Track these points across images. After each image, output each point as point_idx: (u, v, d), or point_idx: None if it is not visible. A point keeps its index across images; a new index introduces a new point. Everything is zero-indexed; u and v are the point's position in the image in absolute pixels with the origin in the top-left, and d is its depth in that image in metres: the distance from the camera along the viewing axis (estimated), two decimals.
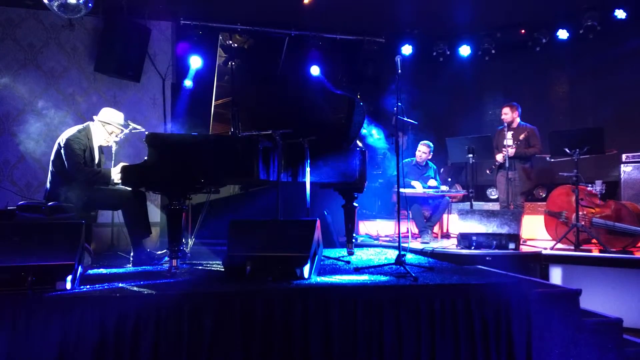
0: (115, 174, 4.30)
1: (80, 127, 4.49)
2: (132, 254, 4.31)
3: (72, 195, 4.20)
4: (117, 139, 4.67)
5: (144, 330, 2.87)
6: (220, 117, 4.59)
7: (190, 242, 4.76)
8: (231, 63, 4.35)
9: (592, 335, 3.37)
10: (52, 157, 4.40)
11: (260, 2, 6.81)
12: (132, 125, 4.91)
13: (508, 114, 6.49)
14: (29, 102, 6.72)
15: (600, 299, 4.52)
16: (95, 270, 3.90)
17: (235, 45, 4.53)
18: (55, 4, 5.55)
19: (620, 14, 7.05)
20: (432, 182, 6.63)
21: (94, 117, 4.58)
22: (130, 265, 4.24)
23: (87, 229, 3.60)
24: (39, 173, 6.63)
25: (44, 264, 2.99)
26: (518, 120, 6.56)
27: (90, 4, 5.70)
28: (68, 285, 3.02)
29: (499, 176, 6.59)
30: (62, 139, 4.37)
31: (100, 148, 4.67)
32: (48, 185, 4.40)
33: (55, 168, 4.36)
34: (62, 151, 4.31)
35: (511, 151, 6.28)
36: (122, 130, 4.63)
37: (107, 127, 4.56)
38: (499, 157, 6.38)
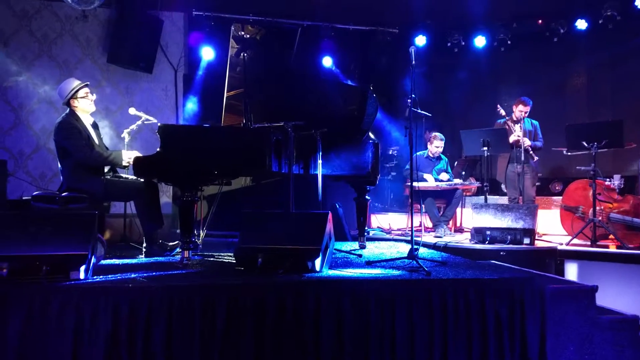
0: (126, 157, 4.29)
1: (62, 115, 4.41)
2: (144, 245, 4.32)
3: (85, 186, 4.22)
4: (94, 97, 4.54)
5: (156, 321, 2.88)
6: (232, 108, 4.58)
7: (202, 234, 4.77)
8: (243, 54, 4.33)
9: (608, 333, 3.32)
10: (57, 153, 4.38)
11: None
12: (145, 116, 4.91)
13: (525, 111, 6.26)
14: (43, 93, 6.76)
15: (616, 295, 4.44)
16: (108, 261, 3.92)
17: (248, 36, 4.50)
18: None
19: None
20: (443, 175, 6.56)
21: (62, 102, 4.44)
22: (143, 256, 4.26)
23: (100, 220, 3.62)
24: (53, 164, 6.68)
25: (58, 254, 3.01)
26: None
27: None
28: (82, 275, 3.04)
29: (508, 171, 6.43)
30: (54, 133, 4.33)
31: (94, 124, 4.56)
32: (61, 177, 4.41)
33: (62, 162, 4.35)
34: (60, 142, 4.28)
35: (527, 142, 6.14)
36: (87, 84, 4.50)
37: (79, 94, 4.40)
38: (512, 138, 6.14)
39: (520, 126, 6.18)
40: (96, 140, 4.45)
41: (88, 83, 4.54)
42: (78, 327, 2.80)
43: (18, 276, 2.94)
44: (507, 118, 6.28)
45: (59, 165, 4.38)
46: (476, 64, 8.35)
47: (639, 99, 7.51)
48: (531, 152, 6.21)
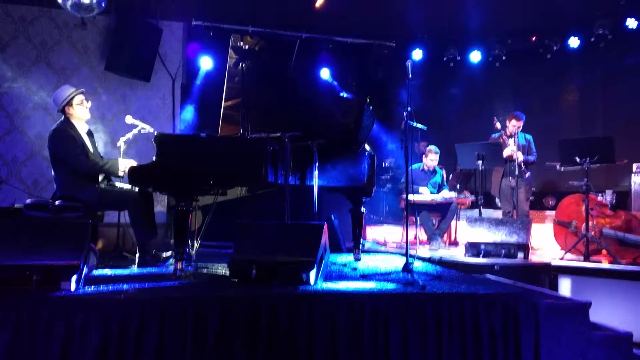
0: (122, 166, 4.27)
1: (57, 123, 4.39)
2: (137, 254, 4.29)
3: (79, 195, 4.19)
4: (89, 104, 4.52)
5: (148, 333, 2.84)
6: (229, 118, 4.58)
7: (196, 244, 4.74)
8: (242, 64, 4.33)
9: (602, 349, 3.32)
10: (50, 161, 4.36)
11: (272, 5, 6.81)
12: (141, 124, 4.89)
13: (518, 126, 6.33)
14: (39, 99, 6.75)
15: (610, 311, 4.45)
16: (101, 271, 3.89)
17: (247, 46, 4.51)
18: (69, 2, 5.57)
19: (631, 23, 7.03)
20: (444, 193, 6.56)
21: (57, 109, 4.42)
22: (136, 267, 4.22)
23: (93, 229, 3.59)
24: (47, 171, 6.63)
25: (50, 264, 2.97)
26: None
27: (103, 3, 5.72)
28: (73, 286, 3.00)
29: (502, 185, 6.46)
30: (49, 141, 4.31)
31: (89, 132, 4.54)
32: (55, 185, 4.38)
33: (55, 170, 4.32)
34: (55, 150, 4.26)
35: (521, 157, 6.18)
36: (82, 92, 4.48)
37: (75, 101, 4.39)
38: (507, 152, 6.18)
39: (514, 140, 6.23)
40: (91, 149, 4.43)
41: (83, 90, 4.53)
42: (67, 338, 2.76)
43: (7, 285, 2.89)
44: (501, 132, 6.32)
45: (53, 173, 4.35)
46: (471, 79, 8.43)
47: (630, 116, 7.59)
48: (523, 167, 6.25)
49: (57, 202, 4.06)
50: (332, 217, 5.85)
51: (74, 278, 3.00)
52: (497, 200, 8.08)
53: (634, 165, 6.51)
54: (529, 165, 6.36)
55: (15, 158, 6.69)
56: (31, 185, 6.70)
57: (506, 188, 6.36)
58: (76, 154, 4.21)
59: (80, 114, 4.43)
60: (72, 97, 4.38)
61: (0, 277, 2.90)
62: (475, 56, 8.13)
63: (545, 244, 6.26)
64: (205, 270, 4.14)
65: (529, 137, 6.47)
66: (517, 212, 6.20)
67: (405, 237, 4.26)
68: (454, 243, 6.80)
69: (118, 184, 4.59)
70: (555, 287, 4.93)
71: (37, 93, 6.74)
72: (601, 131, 7.70)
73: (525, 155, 6.28)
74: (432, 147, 6.75)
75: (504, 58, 8.02)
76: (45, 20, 6.83)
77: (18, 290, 2.88)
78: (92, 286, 3.17)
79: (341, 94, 5.05)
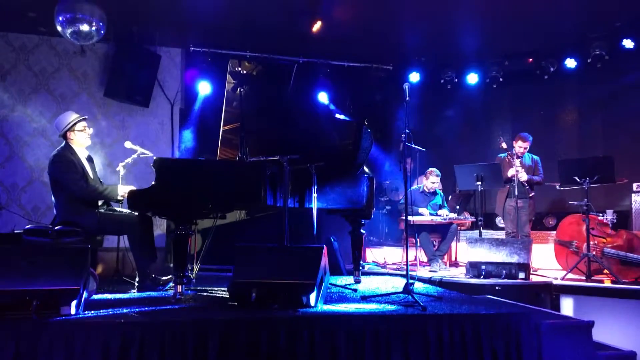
0: (122, 191, 4.28)
1: (58, 148, 4.41)
2: (137, 279, 4.27)
3: (79, 220, 4.19)
4: (91, 131, 4.55)
5: (148, 357, 2.82)
6: (228, 142, 4.61)
7: (196, 268, 4.72)
8: (240, 89, 4.38)
9: None
10: (50, 186, 4.37)
11: (269, 30, 6.90)
12: (140, 150, 4.92)
13: (524, 147, 6.37)
14: (39, 126, 6.80)
15: (612, 331, 4.40)
16: (100, 296, 3.87)
17: (244, 71, 4.59)
18: (69, 31, 5.66)
19: (628, 43, 7.09)
20: (443, 212, 6.56)
21: (59, 134, 4.45)
22: (135, 291, 4.21)
23: (92, 254, 3.58)
24: (46, 197, 6.64)
25: (49, 289, 2.96)
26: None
27: (102, 31, 5.81)
28: (73, 311, 2.99)
29: (506, 205, 6.47)
30: (49, 166, 4.32)
31: (89, 158, 4.56)
32: (55, 210, 4.38)
33: (55, 195, 4.32)
34: (55, 175, 4.27)
35: (524, 176, 6.21)
36: (85, 118, 4.52)
37: (77, 127, 4.42)
38: (512, 172, 6.18)
39: (521, 161, 6.30)
40: (91, 174, 4.44)
41: (86, 117, 4.58)
42: None
43: (7, 311, 2.88)
44: (508, 152, 6.34)
45: (53, 199, 4.36)
46: (469, 100, 8.49)
47: (630, 135, 7.63)
48: (527, 186, 6.28)
49: (56, 228, 4.06)
50: (332, 240, 5.84)
51: (73, 303, 2.99)
52: (497, 220, 8.10)
53: (634, 185, 6.52)
54: (534, 184, 6.39)
55: (15, 184, 6.71)
56: (31, 211, 6.70)
57: (510, 209, 6.36)
58: (76, 179, 4.23)
59: (82, 140, 4.47)
60: (75, 123, 4.42)
61: (0, 302, 2.88)
62: (472, 78, 8.20)
63: (546, 264, 6.23)
64: (205, 294, 4.11)
65: (536, 158, 6.52)
66: (520, 233, 6.20)
67: (405, 258, 4.25)
68: (455, 264, 6.77)
69: (117, 209, 4.60)
70: (557, 307, 4.89)
71: (37, 120, 6.80)
72: (601, 151, 7.73)
73: (530, 175, 6.31)
74: (434, 170, 6.74)
75: (501, 80, 8.08)
76: (45, 49, 6.92)
77: (18, 315, 2.87)
78: (92, 311, 3.15)
79: (339, 117, 5.10)
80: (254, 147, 4.31)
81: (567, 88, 8.29)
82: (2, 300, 2.89)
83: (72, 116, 4.46)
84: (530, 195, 6.39)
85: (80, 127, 4.45)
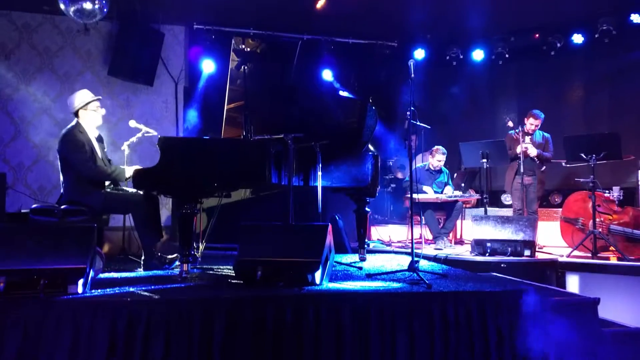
0: (129, 173, 4.28)
1: (69, 125, 4.40)
2: (143, 258, 4.30)
3: (86, 200, 4.20)
4: (103, 111, 4.56)
5: (155, 335, 2.84)
6: (232, 121, 4.58)
7: (201, 247, 4.75)
8: (244, 67, 4.34)
9: (612, 345, 3.29)
10: (59, 164, 4.38)
11: (273, 7, 6.81)
12: (145, 128, 4.91)
13: (536, 124, 6.33)
14: (44, 105, 6.78)
15: (618, 308, 4.41)
16: (107, 274, 3.90)
17: (248, 49, 4.53)
18: (72, 9, 5.60)
19: (636, 18, 6.95)
20: (448, 190, 6.54)
21: (72, 112, 4.44)
22: (142, 270, 4.24)
23: (98, 233, 3.60)
24: (52, 176, 6.67)
25: (56, 268, 2.98)
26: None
27: (105, 9, 5.75)
28: (80, 289, 3.01)
29: (515, 182, 6.45)
30: (59, 144, 4.32)
31: (99, 137, 4.57)
32: (62, 189, 4.39)
33: (64, 173, 4.33)
34: (64, 154, 4.27)
35: (534, 151, 6.18)
36: (99, 99, 4.53)
37: (90, 106, 4.43)
38: (519, 148, 6.11)
39: (531, 138, 6.30)
40: (100, 154, 4.44)
41: (100, 97, 4.58)
42: (75, 341, 2.76)
43: (15, 290, 2.91)
44: (515, 131, 6.28)
45: (61, 177, 4.37)
46: (474, 77, 8.39)
47: (636, 111, 7.54)
48: (537, 161, 6.26)
49: (62, 207, 4.08)
50: (337, 218, 5.85)
51: (80, 281, 3.01)
52: (502, 197, 8.08)
53: None
54: (544, 161, 6.37)
55: (21, 164, 6.72)
56: (37, 191, 6.73)
57: (518, 185, 6.34)
58: (84, 160, 4.22)
59: (94, 119, 4.47)
60: (90, 102, 4.42)
61: (8, 281, 2.91)
62: (478, 55, 8.10)
63: (552, 242, 6.23)
64: (210, 272, 4.14)
65: (547, 135, 6.49)
66: (527, 210, 6.21)
67: (410, 236, 4.25)
68: (460, 242, 6.78)
69: (124, 188, 4.60)
70: (562, 284, 4.90)
71: (42, 99, 6.78)
72: (607, 127, 7.66)
73: (539, 150, 6.29)
74: (440, 148, 6.70)
75: (507, 56, 7.98)
76: (49, 27, 6.87)
77: (26, 294, 2.90)
78: (99, 289, 3.18)
79: (343, 95, 5.05)
80: (258, 125, 4.28)
81: (574, 64, 8.17)
82: (9, 279, 2.91)
83: (88, 95, 4.46)
84: (542, 169, 6.38)
85: (93, 106, 4.45)
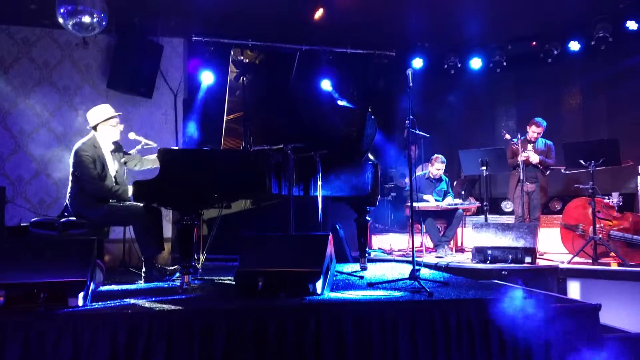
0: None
1: (85, 138, 4.42)
2: (143, 270, 4.29)
3: (88, 213, 4.20)
4: (122, 127, 4.56)
5: (156, 348, 2.84)
6: (231, 131, 4.60)
7: (202, 258, 4.74)
8: (243, 78, 4.36)
9: (613, 352, 3.27)
10: (70, 169, 4.37)
11: (271, 18, 6.86)
12: (144, 140, 4.92)
13: (538, 132, 6.40)
14: (43, 119, 6.80)
15: (620, 313, 4.40)
16: (107, 287, 3.89)
17: (247, 60, 4.55)
18: (70, 22, 5.62)
19: (632, 25, 7.00)
20: (449, 200, 6.54)
21: (88, 126, 4.47)
22: (142, 282, 4.23)
23: (98, 245, 3.59)
24: (51, 190, 6.67)
25: (56, 281, 2.98)
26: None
27: (104, 22, 5.77)
28: (80, 302, 3.01)
29: (517, 190, 6.46)
30: (72, 154, 4.34)
31: (115, 146, 4.57)
32: (67, 198, 4.38)
33: (72, 184, 4.34)
34: (74, 166, 4.28)
35: (536, 158, 6.21)
36: (118, 115, 4.53)
37: (110, 122, 4.44)
38: (522, 156, 6.14)
39: (533, 146, 6.36)
40: (113, 167, 4.45)
41: (120, 113, 4.59)
42: (76, 354, 2.76)
43: (16, 304, 2.90)
44: (512, 141, 6.32)
45: (69, 187, 4.37)
46: (472, 85, 8.43)
47: (634, 118, 7.57)
48: (541, 167, 6.29)
49: (62, 220, 4.08)
50: (337, 227, 5.85)
51: (81, 294, 3.01)
52: (503, 205, 8.09)
53: None
54: (547, 167, 6.40)
55: (21, 177, 6.72)
56: (37, 204, 6.73)
57: (519, 193, 6.34)
58: (91, 177, 4.22)
59: (111, 134, 4.48)
60: (111, 118, 4.43)
61: (8, 295, 2.91)
62: (475, 63, 8.14)
63: (552, 248, 6.22)
64: (211, 284, 4.13)
65: (549, 143, 6.56)
66: (530, 217, 6.22)
67: (411, 245, 4.25)
68: (461, 250, 6.77)
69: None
70: (564, 290, 4.89)
71: (41, 113, 6.79)
72: (606, 133, 7.68)
73: (542, 157, 6.32)
74: (439, 156, 6.70)
75: (504, 64, 8.02)
76: (48, 41, 6.90)
77: (26, 307, 2.89)
78: (100, 302, 3.18)
79: (342, 104, 5.07)
80: (258, 136, 4.29)
81: (571, 71, 8.22)
82: (10, 293, 2.91)
83: (109, 110, 4.47)
84: (547, 174, 6.44)
85: (113, 122, 4.47)
